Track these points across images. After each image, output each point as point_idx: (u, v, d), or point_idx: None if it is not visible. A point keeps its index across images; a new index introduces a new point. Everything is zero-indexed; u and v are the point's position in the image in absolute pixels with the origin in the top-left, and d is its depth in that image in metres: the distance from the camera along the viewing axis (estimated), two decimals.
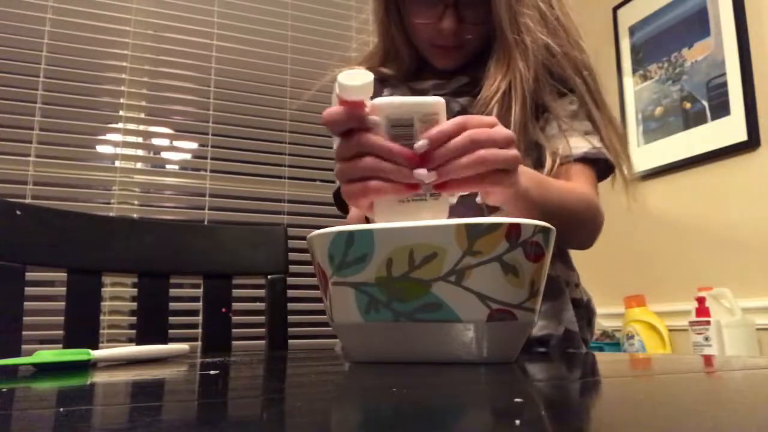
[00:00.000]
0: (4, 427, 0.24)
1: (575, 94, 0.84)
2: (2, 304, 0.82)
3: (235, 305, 1.02)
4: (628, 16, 2.07)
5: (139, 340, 0.94)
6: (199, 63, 1.95)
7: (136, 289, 0.97)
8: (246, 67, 2.01)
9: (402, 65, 0.92)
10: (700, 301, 1.59)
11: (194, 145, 1.98)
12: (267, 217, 1.98)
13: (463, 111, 0.84)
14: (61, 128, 1.78)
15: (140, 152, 1.92)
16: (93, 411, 0.28)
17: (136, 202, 1.87)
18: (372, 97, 0.52)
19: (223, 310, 1.00)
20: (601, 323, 1.93)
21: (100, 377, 0.46)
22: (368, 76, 0.50)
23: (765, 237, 1.60)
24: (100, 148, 1.87)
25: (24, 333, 0.83)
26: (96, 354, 0.54)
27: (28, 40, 1.76)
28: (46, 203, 1.62)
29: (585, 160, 0.81)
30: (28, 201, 1.66)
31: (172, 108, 1.95)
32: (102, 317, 1.39)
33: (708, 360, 0.60)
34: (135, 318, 0.96)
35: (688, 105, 1.84)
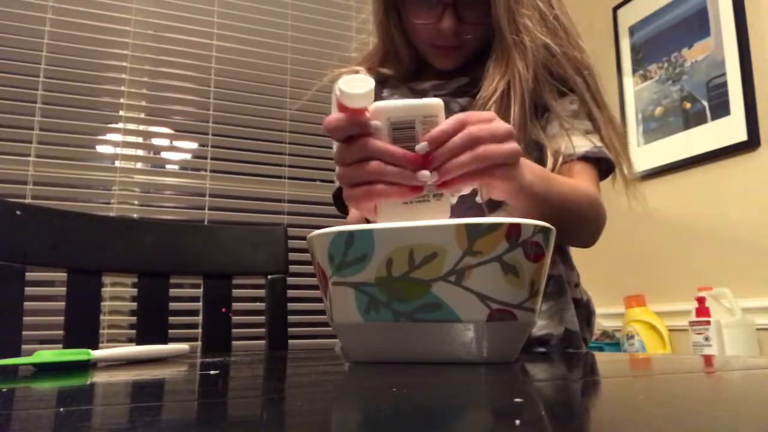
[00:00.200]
0: (4, 427, 0.24)
1: (575, 94, 0.84)
2: (2, 304, 0.82)
3: (235, 305, 1.02)
4: (628, 16, 2.07)
5: (139, 340, 0.94)
6: (199, 63, 1.95)
7: (136, 289, 0.97)
8: (246, 67, 2.01)
9: (401, 66, 0.92)
10: (700, 301, 1.59)
11: (194, 145, 1.98)
12: (267, 217, 1.98)
13: (463, 111, 0.84)
14: (61, 128, 1.78)
15: (140, 152, 1.92)
16: (93, 411, 0.28)
17: (136, 202, 1.87)
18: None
19: (223, 310, 1.00)
20: (601, 323, 1.93)
21: (100, 377, 0.46)
22: (370, 83, 0.50)
23: (765, 237, 1.60)
24: (100, 148, 1.87)
25: (24, 333, 0.83)
26: (96, 354, 0.54)
27: (28, 40, 1.76)
28: (46, 203, 1.62)
29: (587, 158, 0.81)
30: (28, 201, 1.66)
31: (172, 108, 1.95)
32: (102, 317, 1.39)
33: (708, 360, 0.60)
34: (135, 318, 0.96)
35: (688, 105, 1.84)
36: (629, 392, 0.33)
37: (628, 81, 2.05)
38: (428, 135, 0.51)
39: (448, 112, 0.54)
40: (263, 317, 1.02)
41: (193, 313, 1.72)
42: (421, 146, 0.51)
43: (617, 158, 0.83)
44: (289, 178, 2.00)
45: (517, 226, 0.46)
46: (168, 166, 1.94)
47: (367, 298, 0.48)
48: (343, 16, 2.14)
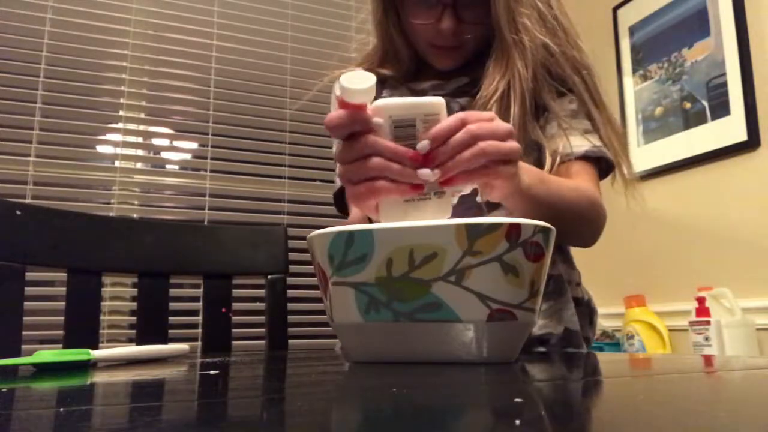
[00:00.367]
0: (4, 427, 0.24)
1: (574, 94, 0.84)
2: (2, 304, 0.82)
3: (235, 305, 1.02)
4: (628, 16, 2.07)
5: (139, 340, 0.94)
6: (199, 63, 1.95)
7: (136, 289, 0.97)
8: (246, 67, 2.01)
9: (401, 66, 0.92)
10: (700, 301, 1.59)
11: (194, 145, 1.98)
12: (267, 217, 1.98)
13: (463, 111, 0.84)
14: (61, 128, 1.78)
15: (140, 152, 1.92)
16: (93, 411, 0.28)
17: (136, 202, 1.87)
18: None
19: (223, 310, 1.00)
20: (601, 323, 1.93)
21: (100, 377, 0.46)
22: (371, 79, 0.50)
23: (765, 237, 1.60)
24: (100, 148, 1.87)
25: (24, 333, 0.83)
26: (96, 354, 0.54)
27: (28, 40, 1.76)
28: (46, 203, 1.62)
29: (586, 158, 0.81)
30: (28, 201, 1.66)
31: (172, 108, 1.95)
32: (102, 317, 1.39)
33: (708, 360, 0.60)
34: (135, 318, 0.96)
35: (688, 105, 1.84)
36: (629, 392, 0.33)
37: (628, 81, 2.05)
38: (429, 133, 0.52)
39: (449, 111, 0.54)
40: (263, 317, 1.02)
41: (193, 313, 1.72)
42: (423, 144, 0.52)
43: (616, 158, 0.83)
44: (289, 178, 2.00)
45: (517, 226, 0.46)
46: (168, 166, 1.94)
47: (367, 298, 0.48)
48: (343, 16, 2.14)
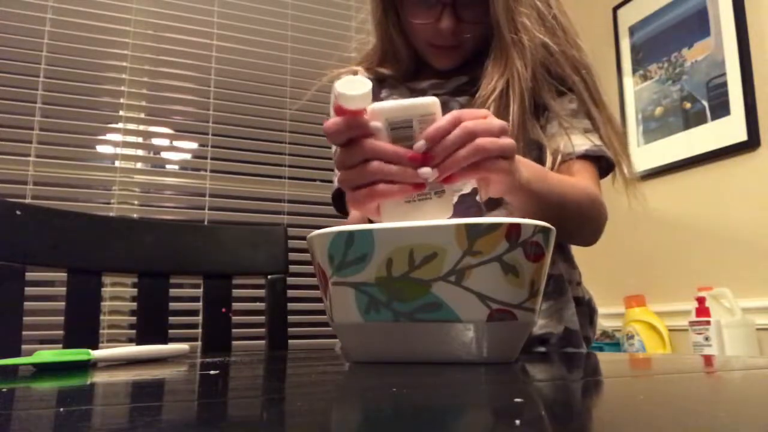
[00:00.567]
0: (4, 427, 0.24)
1: (574, 93, 0.84)
2: (2, 304, 0.82)
3: (235, 305, 1.02)
4: (628, 16, 2.07)
5: (139, 340, 0.94)
6: (199, 63, 1.95)
7: (136, 289, 0.97)
8: (246, 67, 2.01)
9: (400, 65, 0.92)
10: (700, 301, 1.59)
11: (194, 145, 1.98)
12: (267, 217, 1.98)
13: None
14: (61, 128, 1.78)
15: (140, 152, 1.92)
16: (93, 411, 0.28)
17: (136, 202, 1.87)
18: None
19: (223, 310, 1.00)
20: (601, 323, 1.93)
21: (100, 377, 0.46)
22: (367, 85, 0.50)
23: (765, 237, 1.60)
24: (100, 148, 1.87)
25: (24, 333, 0.83)
26: (96, 354, 0.54)
27: (28, 40, 1.76)
28: (46, 203, 1.62)
29: (587, 157, 0.81)
30: (28, 201, 1.66)
31: (172, 108, 1.95)
32: (102, 317, 1.39)
33: (708, 360, 0.60)
34: (135, 318, 0.96)
35: (688, 105, 1.84)
36: (629, 392, 0.33)
37: (628, 81, 2.05)
38: (425, 133, 0.52)
39: (448, 111, 0.54)
40: (263, 317, 1.02)
41: (193, 313, 1.72)
42: (419, 145, 0.52)
43: (616, 157, 0.83)
44: (289, 178, 2.00)
45: (517, 226, 0.46)
46: (168, 166, 1.94)
47: (367, 298, 0.48)
48: (343, 16, 2.14)
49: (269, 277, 1.03)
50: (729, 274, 1.65)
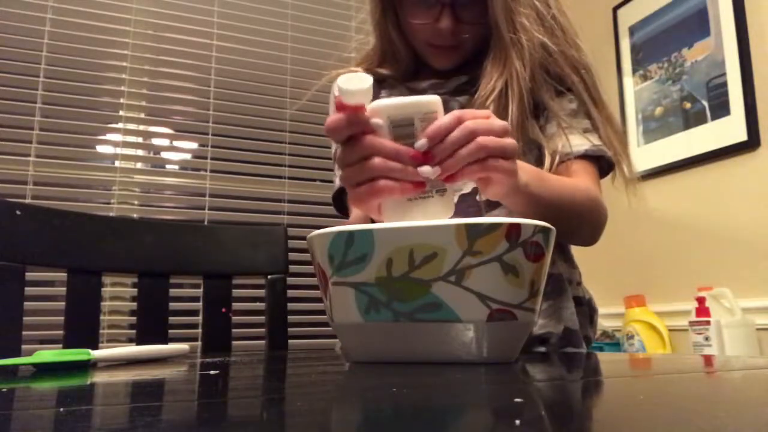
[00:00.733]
0: (4, 427, 0.24)
1: (573, 93, 0.84)
2: (2, 304, 0.82)
3: (235, 305, 1.02)
4: (628, 16, 2.07)
5: (139, 340, 0.94)
6: (199, 63, 1.95)
7: (136, 289, 0.97)
8: (246, 67, 2.01)
9: (400, 66, 0.92)
10: (700, 301, 1.59)
11: (194, 145, 1.98)
12: (267, 217, 1.98)
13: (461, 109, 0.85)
14: (61, 128, 1.78)
15: (140, 152, 1.92)
16: (93, 411, 0.28)
17: (136, 202, 1.87)
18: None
19: (223, 310, 1.00)
20: (601, 323, 1.92)
21: (100, 377, 0.46)
22: (368, 80, 0.50)
23: (765, 237, 1.60)
24: (100, 148, 1.87)
25: (24, 333, 0.83)
26: (96, 354, 0.54)
27: (28, 40, 1.76)
28: (46, 203, 1.62)
29: (586, 157, 0.81)
30: (28, 201, 1.66)
31: (172, 108, 1.95)
32: (102, 317, 1.39)
33: (708, 360, 0.60)
34: (135, 318, 0.96)
35: (688, 105, 1.84)
36: (629, 392, 0.33)
37: (628, 81, 2.05)
38: (426, 132, 0.52)
39: (448, 110, 0.54)
40: (263, 317, 1.02)
41: (193, 313, 1.72)
42: (421, 143, 0.52)
43: (616, 156, 0.83)
44: (289, 178, 2.00)
45: (517, 226, 0.46)
46: (168, 166, 1.94)
47: (367, 298, 0.48)
48: (343, 16, 2.14)
49: (269, 277, 1.03)
50: (729, 274, 1.65)
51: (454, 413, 0.25)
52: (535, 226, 0.47)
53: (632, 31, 2.05)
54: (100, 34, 1.84)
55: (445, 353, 0.48)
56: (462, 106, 0.85)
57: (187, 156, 1.99)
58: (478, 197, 0.79)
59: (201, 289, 1.00)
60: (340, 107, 0.51)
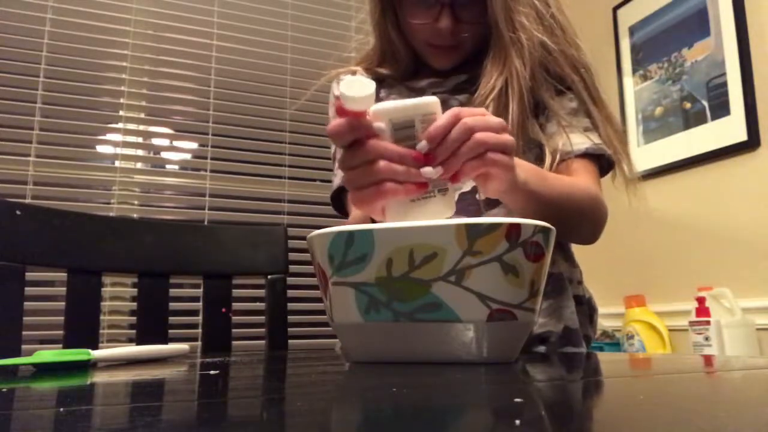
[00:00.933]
0: (4, 427, 0.24)
1: (573, 92, 0.84)
2: (2, 304, 0.82)
3: (235, 305, 1.02)
4: (628, 16, 2.07)
5: (139, 340, 0.94)
6: (199, 63, 1.95)
7: (136, 289, 0.97)
8: (246, 67, 2.01)
9: (399, 65, 0.92)
10: (700, 301, 1.59)
11: (194, 145, 1.98)
12: (267, 217, 1.98)
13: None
14: (61, 128, 1.78)
15: (140, 152, 1.92)
16: (93, 411, 0.28)
17: (136, 202, 1.87)
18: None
19: (223, 310, 1.00)
20: (601, 323, 1.92)
21: (100, 377, 0.46)
22: (371, 86, 0.51)
23: (765, 237, 1.60)
24: (100, 148, 1.87)
25: (24, 333, 0.83)
26: (96, 354, 0.54)
27: (28, 40, 1.76)
28: (46, 203, 1.62)
29: (587, 155, 0.81)
30: (28, 201, 1.66)
31: (172, 108, 1.95)
32: (102, 317, 1.39)
33: (708, 360, 0.60)
34: (135, 318, 0.96)
35: (688, 105, 1.84)
36: (629, 392, 0.33)
37: (628, 81, 2.05)
38: (426, 133, 0.53)
39: (447, 109, 0.54)
40: (263, 317, 1.02)
41: (193, 313, 1.72)
42: (422, 145, 0.53)
43: (616, 156, 0.83)
44: (289, 178, 2.00)
45: (517, 226, 0.46)
46: (168, 166, 1.94)
47: (367, 298, 0.48)
48: (343, 16, 2.14)
49: (269, 277, 1.03)
50: (729, 274, 1.65)
51: (454, 413, 0.25)
52: (535, 226, 0.47)
53: (632, 31, 2.05)
54: (100, 34, 1.84)
55: (445, 353, 0.48)
56: (461, 105, 0.85)
57: (187, 156, 1.99)
58: (477, 196, 0.79)
59: (201, 289, 1.00)
60: (342, 112, 0.51)
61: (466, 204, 0.80)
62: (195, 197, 1.91)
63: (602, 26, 2.15)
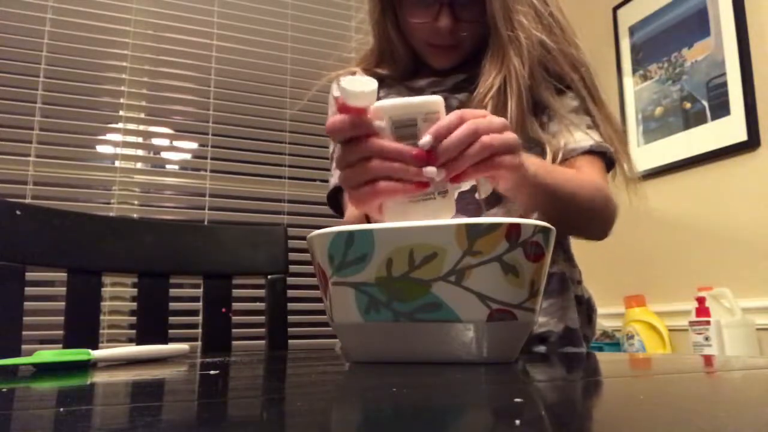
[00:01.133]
0: (4, 427, 0.24)
1: (573, 90, 0.84)
2: (2, 304, 0.82)
3: (235, 305, 1.02)
4: (628, 16, 2.07)
5: (139, 340, 0.94)
6: (199, 63, 1.95)
7: (136, 289, 0.97)
8: (246, 67, 2.01)
9: (398, 65, 0.92)
10: (700, 301, 1.59)
11: (194, 145, 1.98)
12: (267, 217, 1.98)
13: (462, 107, 0.84)
14: (61, 128, 1.78)
15: (140, 152, 1.92)
16: (93, 411, 0.28)
17: (136, 202, 1.87)
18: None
19: (223, 310, 1.00)
20: (601, 323, 1.93)
21: (100, 377, 0.46)
22: (373, 83, 0.50)
23: (765, 237, 1.60)
24: (100, 148, 1.87)
25: (24, 333, 0.83)
26: (96, 354, 0.54)
27: (28, 40, 1.76)
28: (46, 203, 1.62)
29: (591, 152, 0.81)
30: (28, 201, 1.66)
31: (172, 108, 1.95)
32: (102, 317, 1.39)
33: (708, 360, 0.60)
34: (135, 318, 0.96)
35: (688, 105, 1.84)
36: (629, 392, 0.33)
37: (628, 81, 2.05)
38: (432, 130, 0.52)
39: (447, 108, 0.54)
40: (263, 317, 1.02)
41: (193, 313, 1.72)
42: (425, 141, 0.52)
43: (616, 155, 0.83)
44: (289, 178, 2.00)
45: (517, 226, 0.46)
46: (168, 166, 1.94)
47: (367, 298, 0.48)
48: (343, 16, 2.14)
49: (269, 277, 1.03)
50: (729, 274, 1.65)
51: (454, 413, 0.25)
52: (535, 226, 0.47)
53: (632, 31, 2.05)
54: (100, 34, 1.84)
55: (445, 353, 0.48)
56: (461, 104, 0.85)
57: (187, 156, 1.99)
58: (477, 195, 0.79)
59: (201, 289, 1.00)
60: (343, 109, 0.51)
61: (466, 203, 0.80)
62: (195, 197, 1.91)
63: (602, 26, 2.15)
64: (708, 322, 1.55)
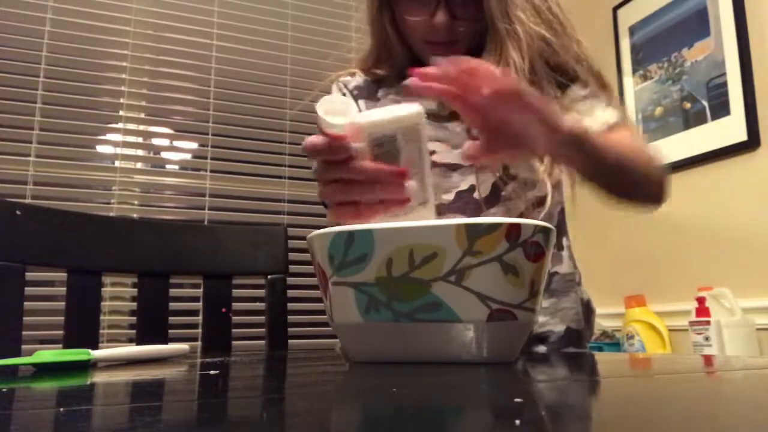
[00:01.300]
0: (4, 427, 0.24)
1: (579, 81, 0.83)
2: (2, 304, 0.82)
3: (235, 305, 1.02)
4: (628, 16, 2.07)
5: (139, 340, 0.94)
6: (199, 63, 1.95)
7: (136, 289, 0.97)
8: (246, 67, 2.01)
9: (396, 64, 0.92)
10: (700, 301, 1.59)
11: (194, 145, 1.98)
12: (267, 217, 1.98)
13: None
14: (61, 128, 1.78)
15: (140, 152, 1.92)
16: (93, 411, 0.28)
17: (136, 202, 1.87)
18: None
19: (223, 310, 1.00)
20: (601, 323, 1.92)
21: (100, 377, 0.46)
22: (351, 108, 0.50)
23: (765, 237, 1.60)
24: (100, 148, 1.87)
25: (24, 333, 0.83)
26: (96, 354, 0.54)
27: (28, 40, 1.76)
28: (46, 203, 1.62)
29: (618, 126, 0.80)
30: (28, 201, 1.66)
31: (172, 108, 1.95)
32: (102, 317, 1.39)
33: (708, 360, 0.60)
34: (135, 318, 0.96)
35: (688, 105, 1.84)
36: (629, 392, 0.33)
37: (628, 81, 2.05)
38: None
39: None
40: (263, 317, 1.02)
41: (193, 313, 1.72)
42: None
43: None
44: (289, 178, 2.00)
45: (517, 226, 0.46)
46: (168, 166, 1.94)
47: (367, 298, 0.48)
48: (343, 16, 2.14)
49: (269, 277, 1.03)
50: (729, 274, 1.65)
51: (454, 413, 0.25)
52: (535, 226, 0.47)
53: (632, 31, 2.05)
54: (100, 34, 1.84)
55: (445, 353, 0.48)
56: None
57: (187, 156, 1.99)
58: (476, 195, 0.79)
59: (201, 289, 1.00)
60: (322, 132, 0.51)
61: (465, 203, 0.79)
62: (195, 197, 1.91)
63: (602, 26, 2.15)
64: (708, 322, 1.55)
